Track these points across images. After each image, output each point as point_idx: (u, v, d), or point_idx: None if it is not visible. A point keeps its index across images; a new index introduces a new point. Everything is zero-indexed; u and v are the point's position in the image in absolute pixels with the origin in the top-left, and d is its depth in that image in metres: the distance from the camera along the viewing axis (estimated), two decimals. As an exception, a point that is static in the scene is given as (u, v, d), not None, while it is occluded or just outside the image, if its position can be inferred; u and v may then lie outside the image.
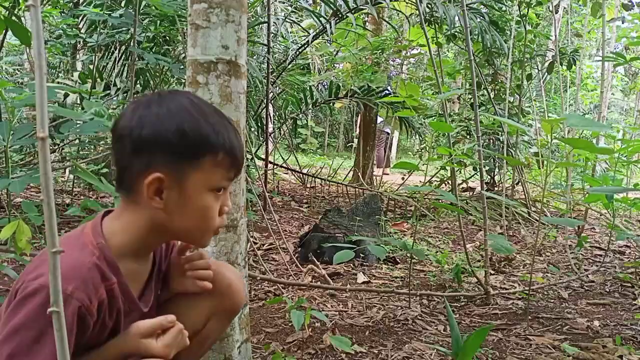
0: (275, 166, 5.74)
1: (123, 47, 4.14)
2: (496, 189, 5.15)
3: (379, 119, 7.12)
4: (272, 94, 5.06)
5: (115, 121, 0.97)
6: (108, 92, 4.27)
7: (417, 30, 5.85)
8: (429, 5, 4.37)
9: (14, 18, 2.67)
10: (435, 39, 3.84)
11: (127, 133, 0.94)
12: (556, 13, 6.22)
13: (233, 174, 1.00)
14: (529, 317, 2.28)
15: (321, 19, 4.62)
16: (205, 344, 1.22)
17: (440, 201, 4.72)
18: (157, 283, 1.10)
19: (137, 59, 3.34)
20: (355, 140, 8.01)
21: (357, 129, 7.51)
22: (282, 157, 6.59)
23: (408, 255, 3.07)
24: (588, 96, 12.26)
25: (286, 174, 6.84)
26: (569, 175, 4.01)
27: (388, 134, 8.72)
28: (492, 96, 4.89)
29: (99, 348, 0.98)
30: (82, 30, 4.46)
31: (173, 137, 0.92)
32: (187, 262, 1.14)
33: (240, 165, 1.01)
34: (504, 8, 5.03)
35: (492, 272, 2.98)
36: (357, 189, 5.25)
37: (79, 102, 4.20)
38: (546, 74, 5.20)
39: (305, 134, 13.21)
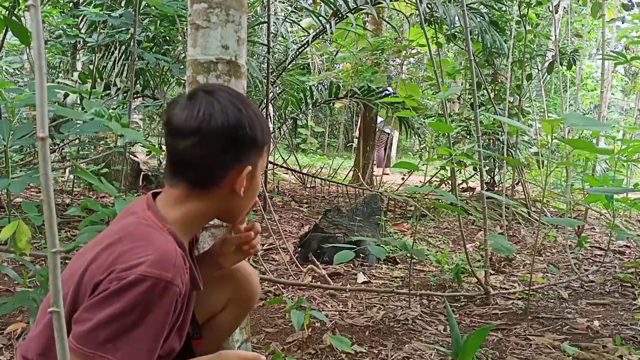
0: (275, 166, 5.74)
1: (123, 47, 4.14)
2: (496, 189, 5.15)
3: (379, 119, 7.12)
4: (272, 94, 5.06)
5: (178, 122, 0.99)
6: (108, 92, 4.27)
7: (417, 30, 5.85)
8: (429, 5, 4.37)
9: (13, 18, 2.67)
10: (435, 39, 3.84)
11: (213, 132, 0.98)
12: (556, 13, 6.22)
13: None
14: (529, 317, 2.28)
15: (321, 19, 4.62)
16: (218, 332, 1.26)
17: (440, 201, 4.72)
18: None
19: (137, 59, 3.34)
20: (355, 141, 8.00)
21: (357, 130, 7.51)
22: (282, 157, 6.59)
23: (408, 255, 3.07)
24: (588, 96, 12.25)
25: (286, 174, 6.84)
26: (569, 175, 4.01)
27: (388, 134, 8.71)
28: (492, 96, 4.89)
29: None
30: (82, 30, 4.46)
31: (260, 134, 1.04)
32: (249, 230, 1.23)
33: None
34: (504, 8, 5.03)
35: (492, 272, 2.97)
36: (357, 189, 5.25)
37: (79, 102, 4.20)
38: (546, 74, 5.20)
39: (305, 134, 13.21)
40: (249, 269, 1.30)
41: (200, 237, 1.43)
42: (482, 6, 4.92)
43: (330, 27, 4.43)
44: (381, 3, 4.61)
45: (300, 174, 6.22)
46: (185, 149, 0.99)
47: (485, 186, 4.00)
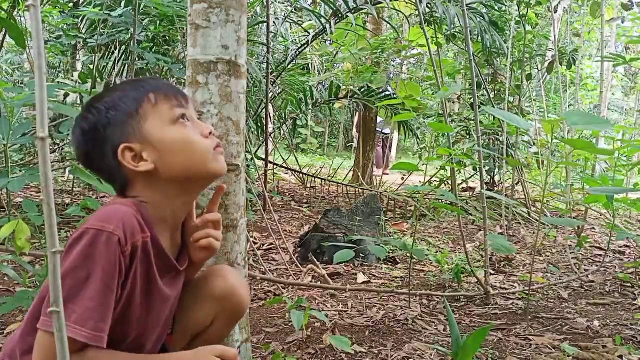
0: (275, 166, 5.73)
1: (123, 47, 4.14)
2: (496, 189, 5.15)
3: (379, 119, 7.12)
4: (272, 94, 5.06)
5: (74, 136, 1.06)
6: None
7: (417, 30, 5.85)
8: (429, 5, 4.37)
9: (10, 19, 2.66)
10: (435, 39, 3.84)
11: (80, 145, 1.04)
12: (555, 13, 6.22)
13: (178, 101, 1.05)
14: (529, 317, 2.28)
15: (321, 19, 4.61)
16: (207, 343, 1.23)
17: (440, 201, 4.72)
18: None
19: (137, 59, 3.34)
20: (355, 141, 8.00)
21: (355, 128, 7.49)
22: (282, 157, 6.58)
23: (408, 255, 3.07)
24: (588, 96, 12.26)
25: (286, 174, 6.83)
26: (569, 175, 4.01)
27: (386, 134, 8.71)
28: (492, 96, 4.89)
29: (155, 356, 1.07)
30: (82, 30, 4.45)
31: (105, 115, 1.01)
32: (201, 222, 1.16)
33: (174, 90, 1.07)
34: (503, 8, 5.03)
35: (492, 272, 2.97)
36: (357, 189, 5.25)
37: (79, 102, 4.20)
38: (546, 74, 5.20)
39: (305, 134, 13.22)
40: (233, 279, 1.22)
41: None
42: (482, 6, 4.91)
43: (330, 27, 4.43)
44: (381, 3, 4.61)
45: (300, 174, 6.22)
46: (96, 169, 1.08)
47: (485, 186, 4.00)
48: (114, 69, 4.34)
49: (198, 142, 1.04)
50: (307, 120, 12.32)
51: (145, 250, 0.99)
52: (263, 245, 3.40)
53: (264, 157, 4.55)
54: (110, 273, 0.91)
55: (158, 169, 1.01)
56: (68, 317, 0.86)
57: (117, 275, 0.92)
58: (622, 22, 6.80)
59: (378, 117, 6.79)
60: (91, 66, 4.24)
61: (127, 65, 4.26)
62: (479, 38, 4.53)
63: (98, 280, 0.89)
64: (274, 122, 6.36)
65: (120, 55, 4.19)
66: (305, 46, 4.96)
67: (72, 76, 4.62)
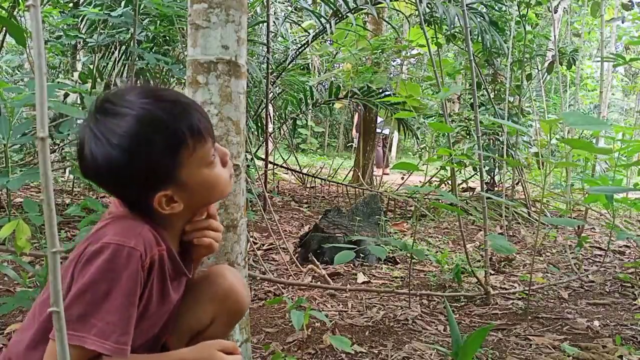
0: (275, 166, 5.74)
1: (123, 47, 4.13)
2: (496, 189, 5.15)
3: (379, 119, 7.13)
4: (272, 94, 5.06)
5: (88, 157, 0.96)
6: (108, 91, 4.25)
7: (417, 30, 5.85)
8: (429, 5, 4.37)
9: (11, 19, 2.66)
10: (435, 39, 3.84)
11: (90, 165, 0.95)
12: (555, 13, 6.22)
13: (211, 142, 1.02)
14: (529, 317, 2.28)
15: (321, 19, 4.61)
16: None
17: (440, 201, 4.72)
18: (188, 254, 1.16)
19: (137, 59, 3.34)
20: (355, 141, 8.01)
21: (355, 128, 7.48)
22: (282, 157, 6.59)
23: (408, 255, 3.07)
24: (588, 96, 12.27)
25: (286, 174, 6.84)
26: (568, 175, 4.02)
27: (385, 135, 8.72)
28: (492, 96, 4.89)
29: (159, 354, 1.06)
30: (82, 30, 4.45)
31: (129, 152, 0.93)
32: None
33: (208, 130, 1.01)
34: (503, 8, 5.04)
35: (492, 272, 2.97)
36: (357, 189, 5.25)
37: (79, 102, 4.20)
38: (546, 74, 5.20)
39: (305, 134, 13.24)
40: (232, 279, 1.22)
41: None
42: (482, 6, 4.92)
43: (330, 27, 4.43)
44: (381, 3, 4.61)
45: (300, 174, 6.22)
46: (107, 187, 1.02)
47: (485, 186, 4.00)
48: (114, 69, 4.34)
49: (221, 178, 1.06)
50: (307, 120, 12.35)
51: (161, 263, 1.00)
52: (263, 245, 3.40)
53: (264, 157, 4.55)
54: (132, 288, 0.92)
55: (187, 207, 1.02)
56: (89, 330, 0.87)
57: (138, 289, 0.94)
58: (622, 22, 6.81)
59: (378, 117, 6.79)
60: (91, 66, 4.25)
61: (127, 65, 4.26)
62: (479, 38, 4.53)
63: (120, 295, 0.90)
64: (274, 122, 6.37)
65: (120, 55, 4.19)
66: (305, 46, 4.96)
67: (72, 76, 4.62)
